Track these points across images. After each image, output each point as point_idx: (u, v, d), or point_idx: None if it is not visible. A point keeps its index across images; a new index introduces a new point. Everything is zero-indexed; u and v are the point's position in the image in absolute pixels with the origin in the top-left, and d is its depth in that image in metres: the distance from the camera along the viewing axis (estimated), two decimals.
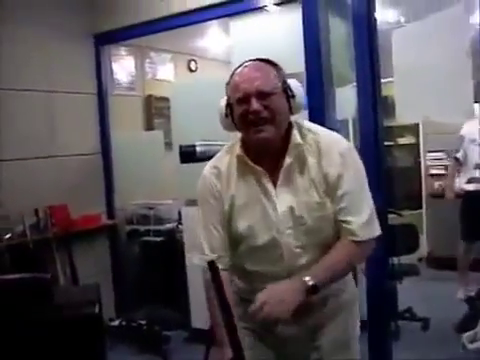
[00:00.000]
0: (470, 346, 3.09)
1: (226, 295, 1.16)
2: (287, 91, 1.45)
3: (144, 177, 3.90)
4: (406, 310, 3.70)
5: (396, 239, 3.23)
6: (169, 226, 4.15)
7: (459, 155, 4.17)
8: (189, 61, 5.47)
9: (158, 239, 4.11)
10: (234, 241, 1.53)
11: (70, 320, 2.02)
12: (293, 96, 1.45)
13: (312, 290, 1.33)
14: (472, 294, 3.72)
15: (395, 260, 3.59)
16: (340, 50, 3.06)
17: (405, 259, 3.83)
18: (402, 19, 4.75)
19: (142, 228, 4.19)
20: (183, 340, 3.70)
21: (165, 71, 5.14)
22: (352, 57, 2.75)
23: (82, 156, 3.96)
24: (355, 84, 2.76)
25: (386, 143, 3.68)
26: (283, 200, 1.46)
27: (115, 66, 4.50)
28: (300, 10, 2.90)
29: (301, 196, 1.45)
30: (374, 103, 2.69)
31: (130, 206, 4.22)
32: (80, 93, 3.97)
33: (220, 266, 1.27)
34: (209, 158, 1.64)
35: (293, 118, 1.52)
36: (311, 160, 1.46)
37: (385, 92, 2.91)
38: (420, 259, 4.99)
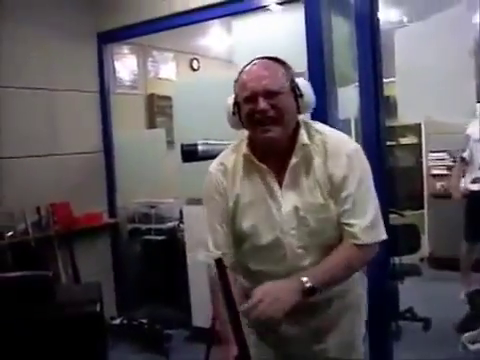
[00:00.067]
0: (471, 347, 3.09)
1: (232, 292, 1.16)
2: (295, 90, 1.43)
3: (146, 176, 3.90)
4: (407, 310, 3.69)
5: (398, 239, 3.23)
6: (170, 225, 4.15)
7: (465, 155, 4.13)
8: (191, 60, 5.47)
9: (159, 238, 4.12)
10: (238, 239, 1.52)
11: (71, 318, 2.02)
12: (301, 95, 1.44)
13: (309, 292, 1.31)
14: (473, 289, 3.73)
15: (396, 260, 3.59)
16: (342, 50, 3.05)
17: (407, 259, 3.84)
18: (405, 19, 4.75)
19: (144, 227, 4.19)
20: (184, 339, 3.70)
21: (167, 70, 5.15)
22: (354, 57, 2.74)
23: (84, 154, 3.96)
24: (357, 84, 2.76)
25: (388, 143, 3.68)
26: (288, 200, 1.45)
27: (117, 65, 4.50)
28: (303, 9, 2.89)
29: (306, 197, 1.44)
30: (376, 103, 2.69)
31: (132, 205, 4.22)
32: (82, 91, 3.97)
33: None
34: (211, 157, 1.64)
35: (301, 118, 1.50)
36: (317, 161, 1.44)
37: (387, 92, 2.90)
38: (422, 259, 4.98)
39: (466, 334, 3.16)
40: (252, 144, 1.49)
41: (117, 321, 3.89)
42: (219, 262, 1.19)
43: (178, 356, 3.47)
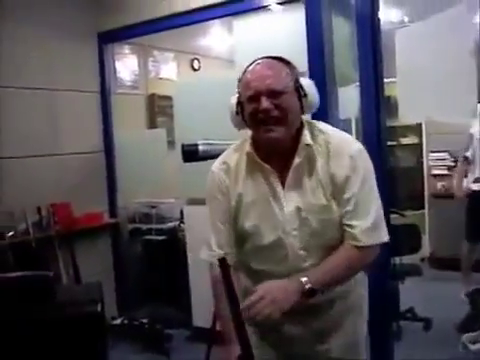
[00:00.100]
0: (472, 347, 3.09)
1: (236, 292, 1.16)
2: (299, 90, 1.42)
3: (146, 176, 3.90)
4: (408, 310, 3.69)
5: (398, 239, 3.22)
6: (171, 225, 4.15)
7: (469, 154, 4.12)
8: (192, 60, 5.47)
9: (160, 238, 4.12)
10: (240, 239, 1.52)
11: (72, 318, 2.02)
12: (305, 95, 1.43)
13: (308, 293, 1.31)
14: (473, 288, 3.72)
15: (397, 260, 3.58)
16: (343, 50, 3.05)
17: (407, 259, 3.83)
18: (406, 19, 4.74)
19: (144, 227, 4.19)
20: (185, 339, 3.71)
21: (168, 70, 5.15)
22: (355, 57, 2.74)
23: (85, 154, 3.96)
24: (358, 84, 2.76)
25: (389, 143, 3.68)
26: (290, 200, 1.44)
27: (118, 65, 4.50)
28: (303, 9, 2.90)
29: (308, 197, 1.43)
30: (377, 103, 2.69)
31: (132, 204, 4.23)
32: (83, 91, 3.98)
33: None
34: (211, 157, 1.64)
35: (304, 118, 1.50)
36: (320, 161, 1.44)
37: (388, 92, 2.91)
38: (422, 259, 4.98)
39: (466, 335, 3.16)
40: (255, 144, 1.48)
41: (118, 321, 3.89)
42: (222, 261, 1.19)
43: (179, 356, 3.47)
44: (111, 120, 4.14)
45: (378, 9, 2.71)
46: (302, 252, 1.45)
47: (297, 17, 2.95)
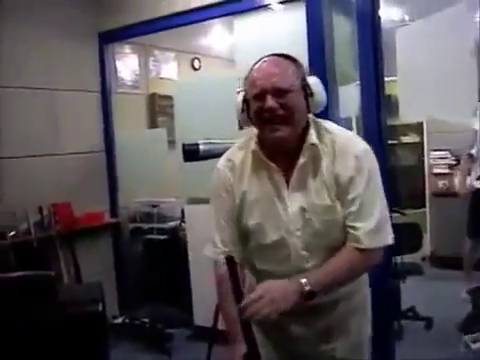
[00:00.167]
0: (473, 346, 3.09)
1: (242, 290, 1.15)
2: (305, 89, 1.40)
3: (147, 175, 3.90)
4: (409, 309, 3.69)
5: (399, 238, 3.21)
6: (172, 224, 4.16)
7: (473, 151, 4.12)
8: (193, 59, 5.47)
9: (161, 237, 4.12)
10: (244, 237, 1.51)
11: (73, 318, 2.02)
12: (311, 94, 1.41)
13: (308, 296, 1.29)
14: (474, 286, 3.72)
15: (398, 259, 3.58)
16: (344, 48, 3.05)
17: (408, 258, 3.83)
18: (406, 17, 4.74)
19: (145, 226, 4.19)
20: (186, 338, 3.71)
21: (169, 69, 5.15)
22: (356, 55, 2.74)
23: (85, 154, 3.96)
24: (359, 82, 2.75)
25: (390, 142, 3.68)
26: (295, 200, 1.42)
27: (119, 64, 4.50)
28: (304, 8, 2.89)
29: (312, 198, 1.41)
30: (377, 101, 2.68)
31: (133, 204, 4.23)
32: (84, 91, 3.98)
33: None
34: (212, 156, 1.64)
35: (311, 117, 1.48)
36: (326, 161, 1.41)
37: (389, 91, 2.91)
38: (423, 258, 4.98)
39: (468, 335, 3.16)
40: (261, 142, 1.47)
41: (119, 320, 3.89)
42: (230, 259, 1.19)
43: (180, 355, 3.47)
44: (112, 120, 4.14)
45: (378, 7, 2.71)
46: (304, 252, 1.44)
47: (298, 16, 2.95)
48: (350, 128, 3.32)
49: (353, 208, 1.39)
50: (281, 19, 3.22)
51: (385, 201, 1.44)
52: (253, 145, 1.48)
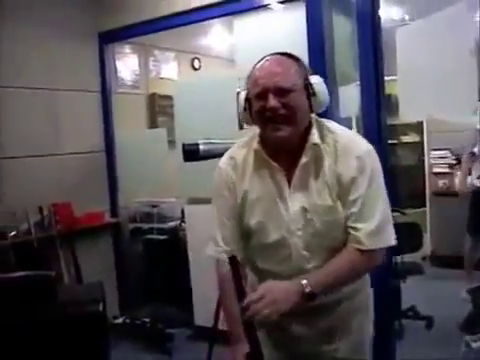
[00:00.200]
0: (474, 345, 3.09)
1: (245, 289, 1.15)
2: (308, 88, 1.39)
3: (147, 175, 3.90)
4: (410, 309, 3.69)
5: (399, 237, 3.22)
6: (172, 224, 4.15)
7: (476, 150, 4.12)
8: (193, 59, 5.48)
9: (161, 237, 4.12)
10: (246, 235, 1.51)
11: (74, 318, 2.03)
12: (314, 93, 1.39)
13: (308, 297, 1.29)
14: (475, 286, 3.72)
15: (399, 259, 3.58)
16: (344, 48, 3.05)
17: (409, 258, 3.82)
18: (406, 17, 4.74)
19: (145, 226, 4.19)
20: (186, 338, 3.71)
21: (169, 69, 5.15)
22: (356, 55, 2.74)
23: (86, 154, 3.96)
24: (359, 82, 2.75)
25: (390, 141, 3.67)
26: (296, 200, 1.42)
27: (119, 64, 4.50)
28: (304, 8, 2.89)
29: (314, 198, 1.41)
30: (377, 101, 2.68)
31: (133, 204, 4.23)
32: (84, 91, 3.98)
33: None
34: (212, 156, 1.64)
35: (314, 116, 1.47)
36: (328, 161, 1.40)
37: (389, 90, 2.91)
38: (424, 258, 4.98)
39: (470, 336, 3.16)
40: (263, 141, 1.46)
41: (119, 320, 3.89)
42: (233, 259, 1.18)
43: (180, 355, 3.47)
44: (112, 120, 4.14)
45: (378, 7, 2.71)
46: (305, 252, 1.43)
47: (297, 16, 2.95)
48: (350, 128, 3.32)
49: (354, 209, 1.38)
50: (281, 19, 3.22)
51: (388, 201, 1.43)
52: (255, 144, 1.47)
